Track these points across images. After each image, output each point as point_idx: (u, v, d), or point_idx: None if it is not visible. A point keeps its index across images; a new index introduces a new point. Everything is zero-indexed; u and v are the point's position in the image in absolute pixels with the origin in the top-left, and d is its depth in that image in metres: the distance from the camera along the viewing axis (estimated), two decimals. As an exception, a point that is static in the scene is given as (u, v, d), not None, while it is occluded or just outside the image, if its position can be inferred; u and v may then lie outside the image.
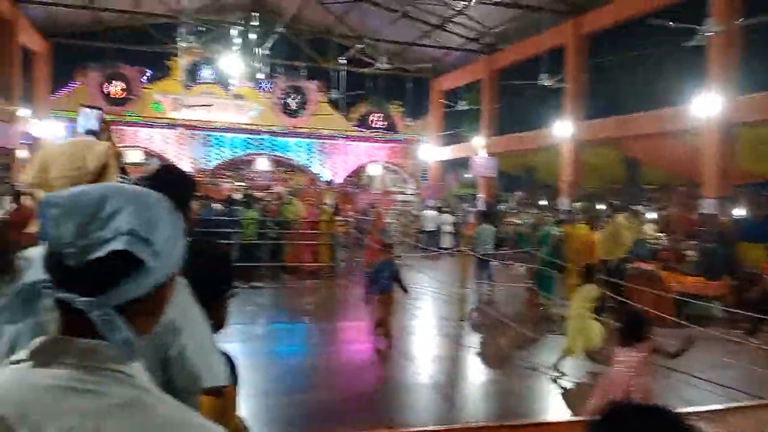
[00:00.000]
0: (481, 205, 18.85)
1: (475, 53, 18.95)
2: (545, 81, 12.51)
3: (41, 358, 0.79)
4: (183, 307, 1.33)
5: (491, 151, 18.73)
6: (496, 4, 14.77)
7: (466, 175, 22.13)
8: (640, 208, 13.51)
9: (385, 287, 6.90)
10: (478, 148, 19.12)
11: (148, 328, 0.88)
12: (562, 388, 5.84)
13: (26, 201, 7.59)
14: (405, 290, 7.16)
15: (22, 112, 15.93)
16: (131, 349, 0.82)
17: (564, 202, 15.12)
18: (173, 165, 2.30)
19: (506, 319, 8.56)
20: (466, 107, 16.56)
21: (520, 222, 18.28)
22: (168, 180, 1.96)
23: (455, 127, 22.15)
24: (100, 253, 0.78)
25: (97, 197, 0.82)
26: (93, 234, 0.79)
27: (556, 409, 5.47)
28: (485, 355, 7.20)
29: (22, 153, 16.47)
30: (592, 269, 6.54)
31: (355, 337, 8.07)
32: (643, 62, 15.70)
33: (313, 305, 10.16)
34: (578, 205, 14.54)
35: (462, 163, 21.73)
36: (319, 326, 8.57)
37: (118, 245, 0.78)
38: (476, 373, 6.75)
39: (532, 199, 19.97)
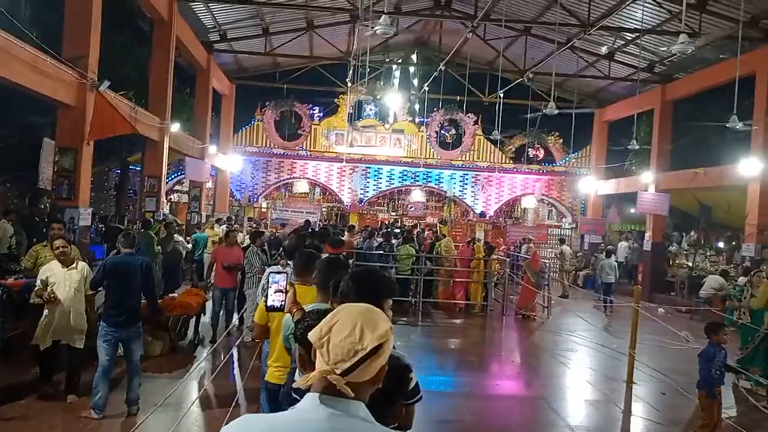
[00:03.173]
0: (646, 244, 17.52)
1: (645, 83, 17.78)
2: (734, 123, 11.25)
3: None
4: None
5: (661, 186, 17.34)
6: (670, 33, 13.76)
7: (632, 211, 20.67)
8: None
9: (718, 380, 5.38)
10: (647, 182, 17.80)
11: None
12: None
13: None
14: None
15: (211, 149, 17.93)
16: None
17: (749, 248, 13.47)
18: (373, 270, 2.51)
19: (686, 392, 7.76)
20: (633, 140, 15.48)
21: (690, 264, 16.65)
22: (369, 284, 2.25)
23: (619, 159, 20.86)
24: None
25: None
26: None
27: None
28: (649, 426, 6.57)
29: (208, 184, 18.52)
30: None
31: (504, 383, 7.86)
32: None
33: (463, 345, 10.08)
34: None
35: (627, 198, 20.35)
36: (467, 369, 8.47)
37: None
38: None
39: (708, 242, 18.05)
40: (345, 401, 1.27)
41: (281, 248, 8.23)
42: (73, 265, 5.81)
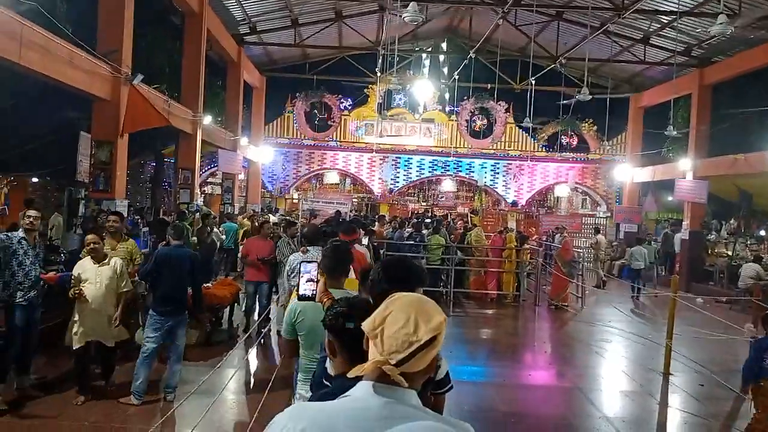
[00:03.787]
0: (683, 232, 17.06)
1: (682, 67, 17.27)
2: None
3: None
4: None
5: (699, 173, 16.86)
6: (708, 15, 13.30)
7: (669, 199, 20.18)
8: None
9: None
10: (685, 169, 17.33)
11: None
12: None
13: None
14: None
15: (243, 141, 18.12)
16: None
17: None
18: (403, 258, 2.57)
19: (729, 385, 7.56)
20: (670, 126, 15.05)
21: (730, 253, 16.16)
22: (400, 272, 2.29)
23: (656, 146, 20.34)
24: None
25: None
26: None
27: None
28: (687, 418, 6.41)
29: (241, 176, 18.73)
30: None
31: (537, 373, 7.78)
32: None
33: (495, 335, 10.00)
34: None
35: (664, 186, 19.86)
36: (499, 359, 8.40)
37: None
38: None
39: (749, 229, 17.50)
40: (398, 390, 1.29)
41: (302, 236, 8.26)
42: (105, 261, 5.62)
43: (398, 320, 1.29)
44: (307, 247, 6.08)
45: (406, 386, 1.29)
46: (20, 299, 5.52)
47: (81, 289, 5.46)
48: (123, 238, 6.63)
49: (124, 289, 5.70)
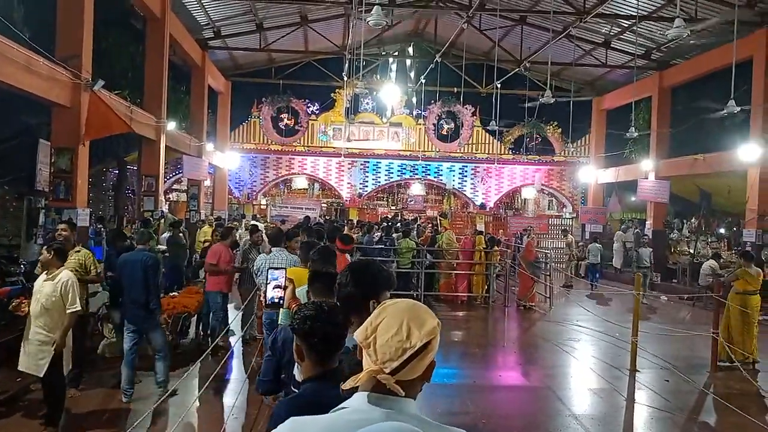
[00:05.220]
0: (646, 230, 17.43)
1: (642, 70, 17.72)
2: (732, 107, 11.08)
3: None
4: None
5: (661, 174, 17.30)
6: (666, 19, 13.67)
7: (632, 199, 20.63)
8: None
9: None
10: (647, 170, 17.76)
11: None
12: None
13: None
14: None
15: (209, 146, 17.86)
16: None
17: (750, 233, 13.45)
18: (370, 262, 2.54)
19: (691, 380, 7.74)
20: (632, 128, 15.41)
21: (692, 251, 16.59)
22: (367, 277, 2.28)
23: (619, 147, 20.80)
24: None
25: None
26: None
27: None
28: (653, 413, 6.55)
29: (206, 182, 18.45)
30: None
31: (507, 374, 7.85)
32: None
33: (466, 337, 10.06)
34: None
35: (627, 187, 20.31)
36: (470, 361, 8.45)
37: None
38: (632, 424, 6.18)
39: (709, 228, 18.01)
40: (396, 399, 1.26)
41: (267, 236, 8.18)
42: (50, 277, 5.00)
43: (390, 327, 1.27)
44: (271, 248, 6.36)
45: (402, 395, 1.25)
46: None
47: (20, 301, 5.21)
48: (73, 247, 6.11)
49: (69, 310, 4.93)
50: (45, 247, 5.45)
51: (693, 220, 18.36)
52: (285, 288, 3.02)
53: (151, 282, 5.93)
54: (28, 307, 5.13)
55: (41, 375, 4.88)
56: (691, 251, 16.74)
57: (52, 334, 4.88)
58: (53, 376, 4.91)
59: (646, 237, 16.50)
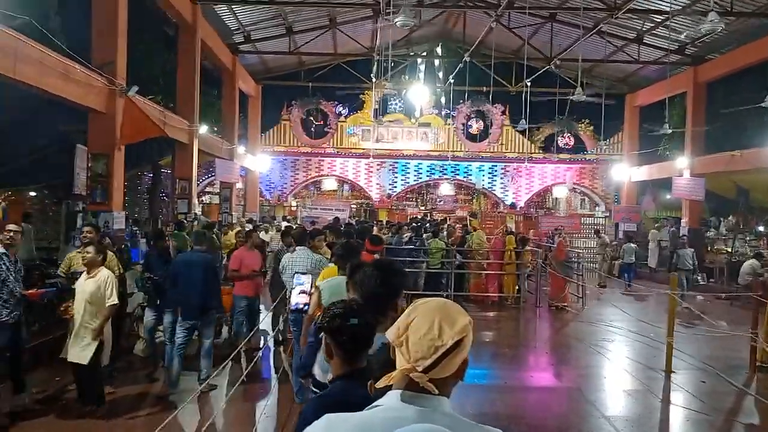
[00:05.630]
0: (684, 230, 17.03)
1: (676, 65, 17.33)
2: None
3: None
4: None
5: (696, 171, 16.89)
6: (700, 13, 13.34)
7: (667, 197, 20.19)
8: None
9: None
10: (681, 167, 17.35)
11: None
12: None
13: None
14: None
15: (240, 149, 18.12)
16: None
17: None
18: (396, 262, 2.60)
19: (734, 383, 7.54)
20: (666, 124, 15.08)
21: (730, 250, 16.16)
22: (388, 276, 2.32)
23: (653, 145, 20.38)
24: None
25: None
26: None
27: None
28: (689, 415, 6.39)
29: (238, 185, 18.72)
30: None
31: (538, 375, 7.76)
32: None
33: (496, 337, 9.98)
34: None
35: (662, 184, 19.88)
36: (501, 362, 8.38)
37: None
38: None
39: (747, 225, 17.51)
40: (429, 397, 1.27)
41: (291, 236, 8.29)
42: (92, 275, 5.39)
43: (422, 326, 1.28)
44: (296, 247, 6.55)
45: (436, 393, 1.26)
46: (6, 317, 5.30)
47: (68, 305, 5.46)
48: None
49: (108, 303, 5.36)
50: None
51: (730, 218, 17.88)
52: (311, 294, 3.06)
53: (210, 282, 6.26)
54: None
55: (86, 362, 5.29)
56: (729, 250, 16.31)
57: (95, 325, 5.35)
58: (95, 364, 5.41)
59: (685, 237, 16.10)
